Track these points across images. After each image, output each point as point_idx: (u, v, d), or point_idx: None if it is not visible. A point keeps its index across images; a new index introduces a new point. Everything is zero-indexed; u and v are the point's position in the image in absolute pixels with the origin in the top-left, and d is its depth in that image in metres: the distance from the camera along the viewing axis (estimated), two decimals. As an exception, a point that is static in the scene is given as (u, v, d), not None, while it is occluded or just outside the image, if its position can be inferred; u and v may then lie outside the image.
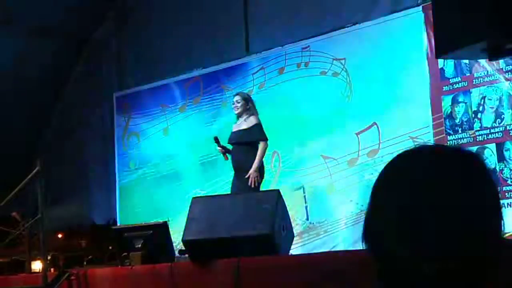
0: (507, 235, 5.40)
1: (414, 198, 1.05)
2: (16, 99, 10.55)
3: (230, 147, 7.31)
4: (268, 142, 7.16)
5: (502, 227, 1.08)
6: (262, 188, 7.15)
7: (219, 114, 9.20)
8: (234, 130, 7.34)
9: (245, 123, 7.22)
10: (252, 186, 6.94)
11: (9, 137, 10.58)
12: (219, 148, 7.32)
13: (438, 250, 1.02)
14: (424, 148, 1.14)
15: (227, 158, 7.31)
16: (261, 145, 7.10)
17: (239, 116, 7.31)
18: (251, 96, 7.61)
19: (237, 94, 7.51)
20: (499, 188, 6.19)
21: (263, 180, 7.19)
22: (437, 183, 1.05)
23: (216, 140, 7.31)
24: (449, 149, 1.14)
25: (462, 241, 1.03)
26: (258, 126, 7.19)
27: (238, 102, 7.29)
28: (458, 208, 1.04)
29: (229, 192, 7.23)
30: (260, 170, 7.10)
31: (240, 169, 7.07)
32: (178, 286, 5.28)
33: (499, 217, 1.08)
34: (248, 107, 7.29)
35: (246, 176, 6.96)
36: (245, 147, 7.14)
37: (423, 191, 1.05)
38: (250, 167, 6.99)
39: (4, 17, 9.74)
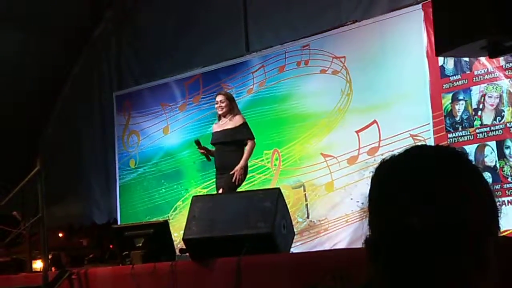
0: (507, 232, 5.40)
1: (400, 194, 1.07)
2: (16, 98, 10.55)
3: (210, 147, 7.21)
4: (269, 140, 7.12)
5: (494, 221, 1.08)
6: (261, 187, 7.11)
7: (219, 112, 9.19)
8: (217, 130, 7.21)
9: (231, 122, 7.09)
10: (237, 183, 6.87)
11: (9, 136, 10.58)
12: (200, 151, 7.16)
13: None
14: (413, 149, 1.15)
15: (210, 160, 7.20)
16: (249, 144, 7.02)
17: (222, 116, 7.17)
18: (251, 95, 7.58)
19: (219, 94, 7.32)
20: (499, 185, 6.12)
21: (246, 177, 7.13)
22: (426, 181, 1.07)
23: (197, 143, 7.16)
24: (433, 149, 1.16)
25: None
26: (245, 125, 7.11)
27: (223, 102, 7.12)
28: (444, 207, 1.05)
29: (220, 191, 7.07)
30: (245, 168, 7.03)
31: (226, 168, 6.96)
32: (178, 285, 5.28)
33: (491, 213, 1.08)
34: (232, 107, 7.16)
35: (231, 173, 6.88)
36: (232, 146, 7.04)
37: (411, 189, 1.06)
38: (237, 165, 6.94)
39: (3, 16, 9.74)
